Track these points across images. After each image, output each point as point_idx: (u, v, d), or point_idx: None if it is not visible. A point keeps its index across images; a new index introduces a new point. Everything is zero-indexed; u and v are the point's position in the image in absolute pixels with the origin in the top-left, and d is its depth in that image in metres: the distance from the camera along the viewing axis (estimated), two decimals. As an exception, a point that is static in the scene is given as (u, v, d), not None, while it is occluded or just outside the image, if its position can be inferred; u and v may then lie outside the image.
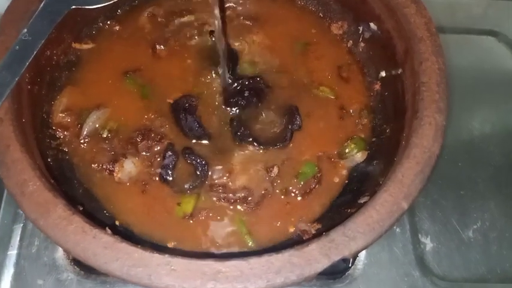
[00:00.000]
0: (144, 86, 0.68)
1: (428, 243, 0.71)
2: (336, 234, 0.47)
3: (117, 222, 0.60)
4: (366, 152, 0.65)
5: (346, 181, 0.64)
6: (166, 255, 0.46)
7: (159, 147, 0.64)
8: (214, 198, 0.62)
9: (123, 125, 0.65)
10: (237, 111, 0.68)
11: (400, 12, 0.60)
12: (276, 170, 0.63)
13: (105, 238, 0.47)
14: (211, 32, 0.73)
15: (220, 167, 0.64)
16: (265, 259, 0.46)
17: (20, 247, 0.67)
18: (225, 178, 0.63)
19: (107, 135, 0.64)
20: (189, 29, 0.73)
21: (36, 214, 0.48)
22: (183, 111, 0.65)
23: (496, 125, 0.81)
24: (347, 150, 0.65)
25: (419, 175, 0.51)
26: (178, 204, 0.61)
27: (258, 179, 0.63)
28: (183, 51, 0.71)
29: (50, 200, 0.49)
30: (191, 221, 0.61)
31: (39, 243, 0.67)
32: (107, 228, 0.48)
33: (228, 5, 0.77)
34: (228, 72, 0.69)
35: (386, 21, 0.64)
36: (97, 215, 0.59)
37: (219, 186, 0.63)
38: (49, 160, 0.61)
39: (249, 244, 0.59)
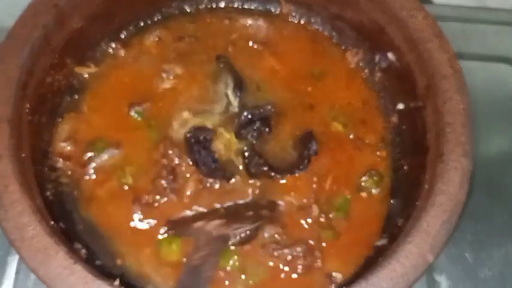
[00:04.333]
0: (151, 117, 0.64)
1: (443, 282, 0.68)
2: (359, 290, 0.44)
3: (118, 262, 0.56)
4: (385, 188, 0.62)
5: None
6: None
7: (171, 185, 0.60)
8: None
9: (134, 163, 0.61)
10: (250, 142, 0.64)
11: (422, 47, 0.58)
12: (315, 209, 0.60)
13: (110, 291, 0.43)
14: (218, 58, 0.70)
15: None
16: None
17: (15, 280, 0.63)
18: None
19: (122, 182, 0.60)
20: (197, 55, 0.70)
21: (35, 262, 0.45)
22: (196, 144, 0.62)
23: (513, 156, 0.78)
24: (365, 185, 0.63)
25: (446, 225, 0.48)
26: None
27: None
28: (191, 79, 0.68)
29: (50, 247, 0.45)
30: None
31: (35, 277, 0.63)
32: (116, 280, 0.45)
33: (236, 28, 0.74)
34: (237, 99, 0.66)
35: (407, 54, 0.61)
36: (100, 254, 0.56)
37: None
38: (48, 194, 0.58)
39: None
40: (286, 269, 0.57)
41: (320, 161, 0.63)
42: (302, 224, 0.60)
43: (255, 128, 0.64)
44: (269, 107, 0.66)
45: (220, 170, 0.61)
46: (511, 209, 0.74)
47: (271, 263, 0.57)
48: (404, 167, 0.63)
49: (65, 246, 0.46)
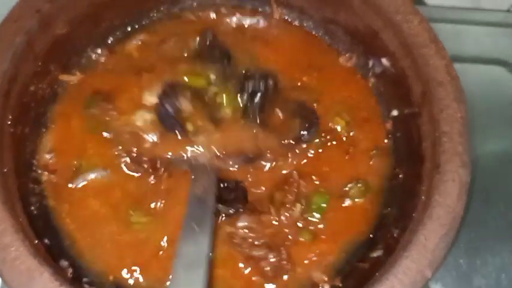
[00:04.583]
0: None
1: (438, 290, 0.67)
2: (355, 308, 0.43)
3: (110, 277, 0.55)
4: (373, 199, 0.61)
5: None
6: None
7: None
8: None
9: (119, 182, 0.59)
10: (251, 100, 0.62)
11: (417, 52, 0.56)
12: (295, 207, 0.58)
13: (97, 316, 0.42)
14: (203, 34, 0.67)
15: None
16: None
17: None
18: None
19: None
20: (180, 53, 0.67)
21: (18, 285, 0.43)
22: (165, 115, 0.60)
23: (508, 162, 0.77)
24: (349, 193, 0.61)
25: (444, 239, 0.46)
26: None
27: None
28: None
29: (34, 268, 0.43)
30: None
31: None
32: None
33: (228, 23, 0.72)
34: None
35: (401, 59, 0.60)
36: (87, 271, 0.54)
37: None
38: (32, 209, 0.55)
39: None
40: (250, 270, 0.55)
41: (306, 159, 0.62)
42: (278, 222, 0.58)
43: (257, 80, 0.62)
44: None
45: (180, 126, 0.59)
46: (506, 215, 0.73)
47: (240, 263, 0.56)
48: (400, 176, 0.61)
49: (49, 267, 0.44)
